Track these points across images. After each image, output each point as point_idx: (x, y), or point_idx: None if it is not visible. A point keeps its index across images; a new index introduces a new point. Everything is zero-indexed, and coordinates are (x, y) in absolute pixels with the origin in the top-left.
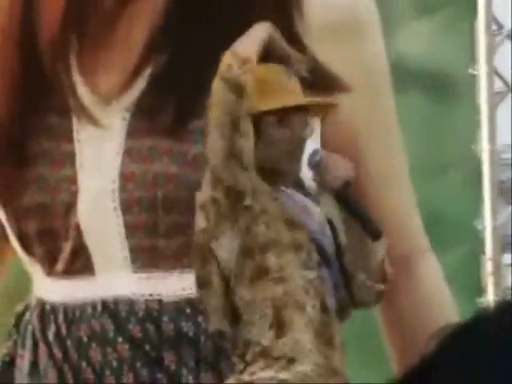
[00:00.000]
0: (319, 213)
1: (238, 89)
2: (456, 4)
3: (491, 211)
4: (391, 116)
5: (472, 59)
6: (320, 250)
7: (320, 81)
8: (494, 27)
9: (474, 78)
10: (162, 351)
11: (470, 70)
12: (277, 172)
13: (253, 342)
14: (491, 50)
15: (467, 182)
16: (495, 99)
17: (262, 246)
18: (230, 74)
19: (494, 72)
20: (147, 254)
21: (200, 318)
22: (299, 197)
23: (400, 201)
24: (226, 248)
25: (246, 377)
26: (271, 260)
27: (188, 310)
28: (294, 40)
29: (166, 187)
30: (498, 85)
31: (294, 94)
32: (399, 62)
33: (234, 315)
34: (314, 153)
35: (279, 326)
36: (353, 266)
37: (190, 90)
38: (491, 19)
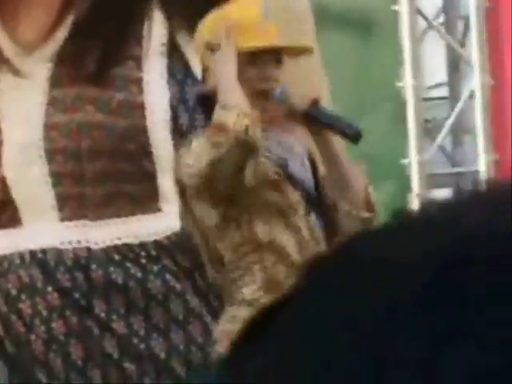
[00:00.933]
0: (303, 149)
1: (253, 148)
2: None
3: (416, 148)
4: (315, 56)
5: None
6: (303, 192)
7: None
8: None
9: (396, 16)
10: (92, 299)
11: (392, 8)
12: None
13: (238, 292)
14: None
15: (393, 119)
16: (417, 36)
17: (247, 216)
18: (247, 136)
19: (415, 9)
20: (74, 203)
21: (129, 264)
22: (284, 136)
23: None
24: (204, 212)
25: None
26: (259, 227)
27: (117, 257)
28: None
29: (90, 136)
30: (421, 22)
31: (266, 35)
32: (321, 2)
33: (221, 263)
34: (277, 90)
35: (269, 289)
36: (335, 195)
37: (113, 37)
38: None
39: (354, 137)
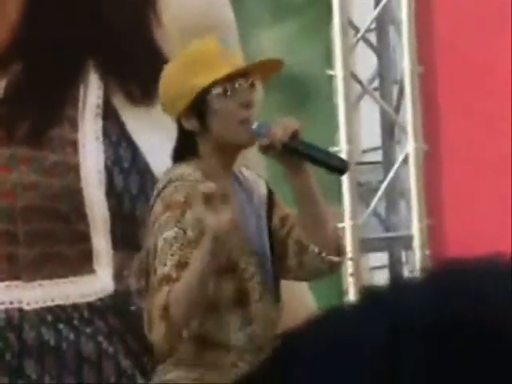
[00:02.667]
0: (261, 193)
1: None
2: (312, 8)
3: (350, 212)
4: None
5: (329, 62)
6: (259, 255)
7: None
8: (350, 30)
9: (331, 81)
10: (24, 360)
11: (328, 72)
12: (234, 147)
13: None
14: (347, 53)
15: (327, 184)
16: (352, 101)
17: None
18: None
19: (350, 74)
20: (7, 263)
21: (61, 326)
22: (246, 180)
23: None
24: None
25: None
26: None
27: (49, 319)
28: (152, 47)
29: (25, 196)
30: (355, 87)
31: (230, 63)
32: None
33: None
34: (254, 123)
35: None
36: (306, 235)
37: (47, 98)
38: (347, 23)
39: (340, 168)
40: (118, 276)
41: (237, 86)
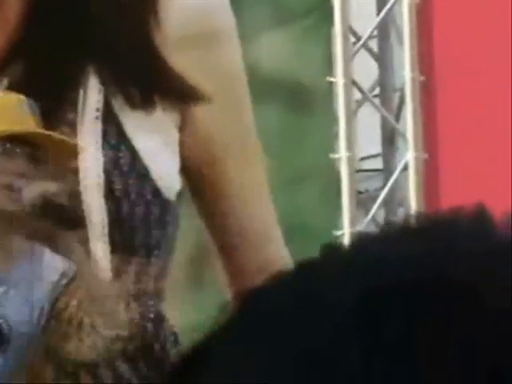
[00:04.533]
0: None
1: None
2: (313, 14)
3: (350, 220)
4: (250, 126)
5: (329, 69)
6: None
7: (175, 90)
8: (351, 37)
9: (331, 87)
10: None
11: (328, 79)
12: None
13: None
14: (348, 60)
15: (326, 191)
16: (352, 108)
17: None
18: None
19: (351, 81)
20: None
21: None
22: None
23: (260, 212)
24: None
25: None
26: None
27: None
28: (153, 52)
29: None
30: (356, 94)
31: (12, 124)
32: (256, 72)
33: None
34: None
35: None
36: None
37: (47, 102)
38: (348, 29)
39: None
40: (116, 280)
41: (11, 152)
